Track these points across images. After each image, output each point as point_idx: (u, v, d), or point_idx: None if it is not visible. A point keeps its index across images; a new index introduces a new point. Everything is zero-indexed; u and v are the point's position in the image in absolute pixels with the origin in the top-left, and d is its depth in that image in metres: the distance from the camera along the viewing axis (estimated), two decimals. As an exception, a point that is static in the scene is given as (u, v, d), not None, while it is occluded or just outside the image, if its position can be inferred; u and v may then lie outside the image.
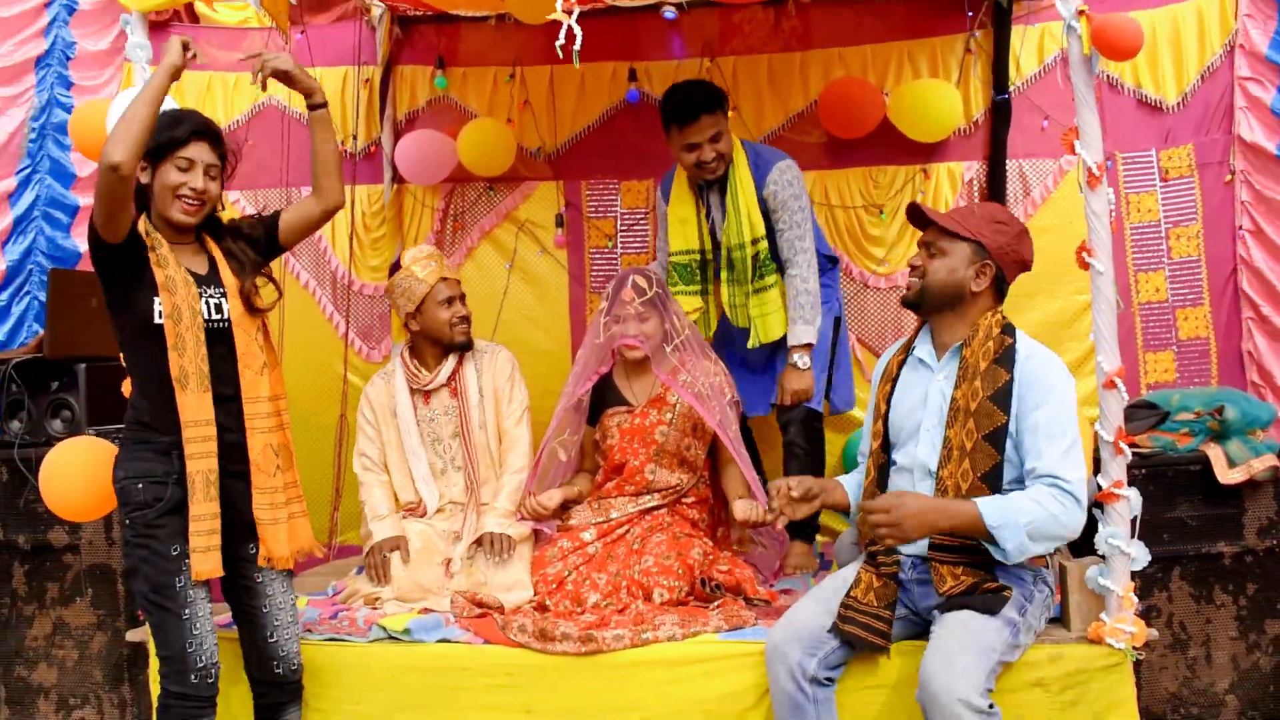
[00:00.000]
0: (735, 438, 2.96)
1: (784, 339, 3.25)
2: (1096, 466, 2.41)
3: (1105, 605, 2.40)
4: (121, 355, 2.40)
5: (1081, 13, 2.30)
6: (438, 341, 3.12)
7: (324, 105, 2.50)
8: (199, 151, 2.33)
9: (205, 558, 2.26)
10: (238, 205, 4.10)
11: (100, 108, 2.89)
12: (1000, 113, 3.83)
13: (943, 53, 3.88)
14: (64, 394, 3.35)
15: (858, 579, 2.41)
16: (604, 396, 3.16)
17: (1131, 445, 2.46)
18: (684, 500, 3.06)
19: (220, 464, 2.31)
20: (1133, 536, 2.35)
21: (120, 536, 3.22)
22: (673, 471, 3.05)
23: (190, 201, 2.33)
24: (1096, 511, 2.38)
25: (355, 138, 4.09)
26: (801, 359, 3.17)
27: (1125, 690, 2.37)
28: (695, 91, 3.21)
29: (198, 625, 2.27)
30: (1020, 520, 2.18)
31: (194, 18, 4.16)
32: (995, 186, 3.85)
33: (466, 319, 3.13)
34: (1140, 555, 2.35)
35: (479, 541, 2.90)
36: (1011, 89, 3.82)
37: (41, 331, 3.75)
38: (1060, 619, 2.49)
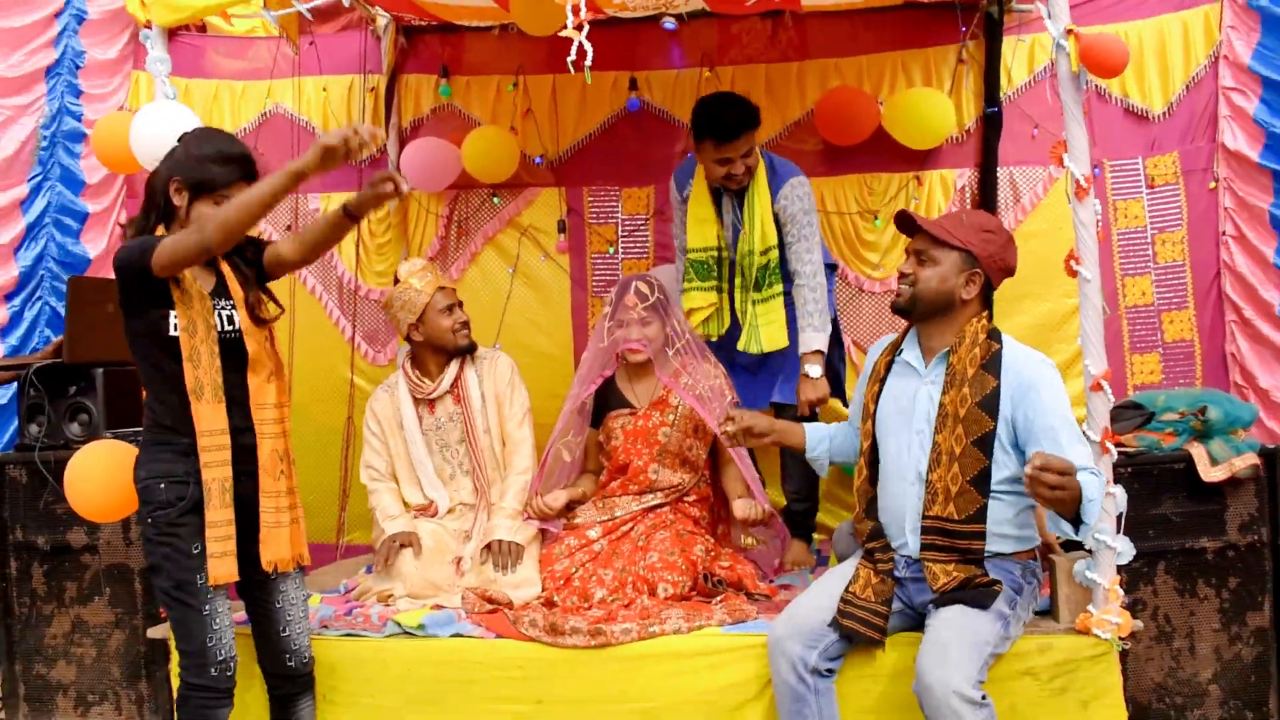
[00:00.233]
0: (735, 438, 3.03)
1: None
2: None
3: (1092, 598, 2.45)
4: (134, 362, 2.41)
5: (1070, 31, 2.36)
6: (441, 348, 3.16)
7: (358, 220, 2.47)
8: (238, 192, 2.31)
9: (221, 563, 2.29)
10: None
11: (122, 121, 2.93)
12: (991, 121, 3.86)
13: (936, 63, 3.91)
14: (82, 398, 3.37)
15: (856, 575, 2.46)
16: (607, 399, 3.21)
17: (1118, 444, 2.51)
18: (686, 499, 3.11)
19: (235, 467, 2.34)
20: (1119, 532, 2.40)
21: (139, 536, 3.25)
22: (675, 471, 3.11)
23: None
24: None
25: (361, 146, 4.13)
26: (813, 367, 3.14)
27: (1111, 678, 2.43)
28: (737, 108, 3.14)
29: (217, 620, 2.31)
30: (1096, 498, 2.19)
31: (201, 26, 4.18)
32: (987, 193, 3.88)
33: (467, 324, 3.18)
34: (1126, 550, 2.40)
35: (489, 547, 2.94)
36: (1002, 98, 3.85)
37: (56, 337, 3.77)
38: (1050, 611, 2.56)
